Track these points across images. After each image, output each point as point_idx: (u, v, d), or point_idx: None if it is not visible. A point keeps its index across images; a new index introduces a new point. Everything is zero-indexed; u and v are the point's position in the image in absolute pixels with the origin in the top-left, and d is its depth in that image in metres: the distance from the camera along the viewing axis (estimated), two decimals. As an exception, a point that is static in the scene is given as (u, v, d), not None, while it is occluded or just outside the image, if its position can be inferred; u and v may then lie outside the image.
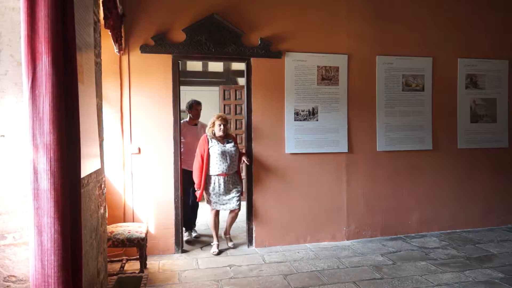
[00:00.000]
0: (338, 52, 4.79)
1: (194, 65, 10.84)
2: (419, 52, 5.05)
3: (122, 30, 4.10)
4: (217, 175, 4.38)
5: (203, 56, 4.49)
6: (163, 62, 4.33)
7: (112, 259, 3.96)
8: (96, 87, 2.51)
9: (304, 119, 4.69)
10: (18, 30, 1.56)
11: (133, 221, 4.27)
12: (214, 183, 4.39)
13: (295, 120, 4.62)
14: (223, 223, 4.76)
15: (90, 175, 2.29)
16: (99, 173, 2.64)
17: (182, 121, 4.81)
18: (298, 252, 4.32)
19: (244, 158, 4.52)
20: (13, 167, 1.63)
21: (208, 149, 4.39)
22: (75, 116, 1.61)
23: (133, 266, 3.95)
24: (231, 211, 4.54)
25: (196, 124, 5.10)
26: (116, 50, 3.99)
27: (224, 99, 7.58)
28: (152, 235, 4.31)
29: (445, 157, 5.18)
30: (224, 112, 7.53)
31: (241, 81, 10.37)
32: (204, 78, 11.42)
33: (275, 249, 4.43)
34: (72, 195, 1.55)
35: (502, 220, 5.39)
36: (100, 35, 2.78)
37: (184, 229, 4.72)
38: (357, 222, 4.88)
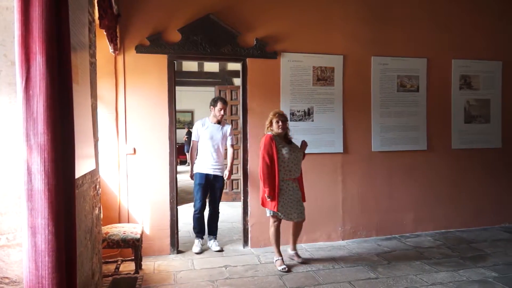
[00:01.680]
0: (333, 52, 4.79)
1: (190, 65, 10.83)
2: (413, 53, 5.07)
3: (117, 30, 4.08)
4: (288, 179, 3.93)
5: (198, 57, 4.48)
6: (158, 62, 4.31)
7: (107, 260, 3.93)
8: (91, 87, 2.49)
9: (299, 120, 4.70)
10: (12, 30, 1.54)
11: (128, 222, 4.24)
12: (283, 189, 3.91)
13: (290, 121, 4.61)
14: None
15: (84, 175, 2.28)
16: (94, 173, 2.63)
17: (201, 120, 4.64)
18: (288, 251, 4.31)
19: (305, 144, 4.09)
20: (6, 168, 1.61)
21: (278, 150, 3.87)
22: (69, 117, 1.60)
23: (128, 267, 3.93)
24: (298, 222, 4.08)
25: (219, 122, 4.61)
26: (111, 50, 3.97)
27: (219, 99, 7.55)
28: (147, 235, 4.29)
29: (440, 158, 5.21)
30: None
31: (237, 81, 10.38)
32: (200, 78, 11.42)
33: (271, 249, 4.42)
34: (66, 196, 1.54)
35: (495, 219, 5.43)
36: (95, 35, 2.77)
37: (196, 236, 4.55)
38: (352, 222, 4.89)
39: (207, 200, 4.62)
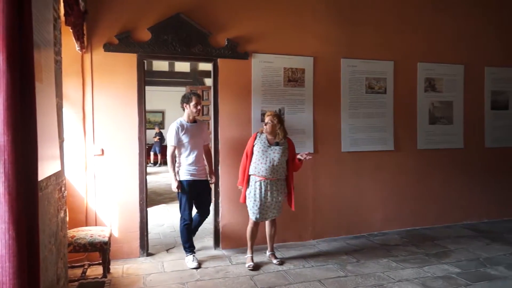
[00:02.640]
0: (304, 54, 4.84)
1: (160, 65, 10.70)
2: (381, 56, 5.20)
3: (84, 28, 3.96)
4: (254, 175, 3.97)
5: (169, 56, 4.41)
6: (127, 62, 4.22)
7: (74, 264, 3.81)
8: (56, 86, 2.41)
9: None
10: (-31, 25, 1.47)
11: (96, 225, 4.13)
12: (251, 186, 3.99)
13: (262, 121, 4.63)
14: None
15: (49, 177, 2.20)
16: (59, 175, 2.54)
17: (176, 123, 4.15)
18: (264, 253, 4.32)
19: (303, 155, 3.94)
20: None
21: (253, 145, 4.02)
22: (32, 116, 1.53)
23: (95, 271, 3.82)
24: (270, 223, 4.17)
25: (195, 122, 4.26)
26: (77, 48, 3.86)
27: (190, 99, 7.48)
28: (116, 238, 4.19)
29: (406, 158, 5.36)
30: (191, 113, 7.44)
31: (208, 81, 10.33)
32: (171, 78, 11.30)
33: (242, 250, 4.42)
34: (29, 199, 1.47)
35: (458, 217, 5.64)
36: (60, 33, 2.68)
37: (189, 251, 4.16)
38: (322, 222, 4.96)
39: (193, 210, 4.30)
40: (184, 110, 4.23)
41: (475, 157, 5.73)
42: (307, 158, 3.92)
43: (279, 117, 4.02)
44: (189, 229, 4.17)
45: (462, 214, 5.67)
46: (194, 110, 4.16)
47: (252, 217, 4.02)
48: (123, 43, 4.15)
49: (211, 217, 4.61)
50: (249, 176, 4.01)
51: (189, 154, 4.12)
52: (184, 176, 4.11)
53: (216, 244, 4.56)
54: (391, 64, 5.25)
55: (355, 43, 5.08)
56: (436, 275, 3.78)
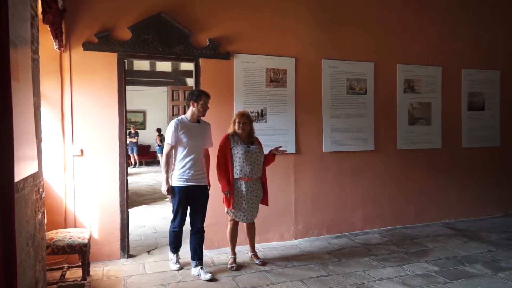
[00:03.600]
0: (286, 55, 4.87)
1: (141, 65, 10.60)
2: (362, 57, 5.28)
3: (63, 26, 3.90)
4: (239, 179, 3.92)
5: (150, 56, 4.37)
6: (107, 61, 4.16)
7: (52, 267, 3.74)
8: (33, 85, 2.36)
9: (254, 121, 4.72)
10: None
11: (75, 227, 4.06)
12: (235, 189, 3.93)
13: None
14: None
15: (26, 178, 2.15)
16: (36, 176, 2.49)
17: (177, 119, 3.79)
18: (247, 253, 4.33)
19: (278, 150, 4.03)
20: None
21: (230, 149, 3.91)
22: (7, 116, 1.50)
23: (75, 273, 3.75)
24: (249, 224, 4.12)
25: (198, 122, 3.89)
26: (56, 47, 3.79)
27: (172, 99, 7.44)
28: (96, 240, 4.13)
29: (386, 158, 5.45)
30: (173, 113, 7.39)
31: (190, 81, 10.27)
32: (152, 78, 11.20)
33: (224, 251, 4.41)
34: (5, 200, 1.44)
35: (436, 216, 5.77)
36: (38, 31, 2.62)
37: (172, 254, 4.01)
38: (305, 222, 4.99)
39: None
40: (188, 107, 3.84)
41: (452, 157, 5.87)
42: (284, 152, 4.10)
43: (249, 116, 4.04)
44: (177, 236, 3.93)
45: (440, 213, 5.80)
46: (201, 110, 3.79)
47: (239, 219, 3.99)
48: (102, 42, 4.09)
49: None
50: (232, 180, 3.92)
51: (186, 156, 3.72)
52: (176, 181, 3.74)
53: (198, 245, 4.53)
54: (371, 65, 5.33)
55: (336, 44, 5.14)
56: (416, 273, 3.85)
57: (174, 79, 10.48)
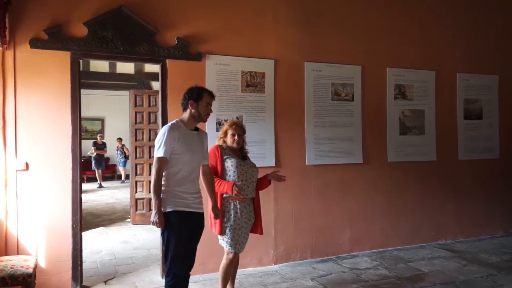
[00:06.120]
0: (264, 56, 4.91)
1: (100, 65, 10.44)
2: (348, 60, 5.37)
3: (7, 20, 3.82)
4: (231, 198, 3.60)
5: (109, 55, 4.33)
6: (59, 60, 4.10)
7: (-11, 302, 3.59)
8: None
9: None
10: None
11: (18, 254, 3.93)
12: (227, 210, 3.60)
13: (217, 131, 4.62)
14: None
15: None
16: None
17: (171, 125, 3.17)
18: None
19: (275, 176, 3.81)
20: None
21: (222, 160, 3.65)
22: None
23: (17, 309, 3.61)
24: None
25: (197, 130, 3.36)
26: (-2, 44, 3.70)
27: (135, 105, 7.35)
28: (43, 269, 4.00)
29: (376, 171, 5.53)
30: (136, 121, 7.31)
31: (156, 85, 10.19)
32: (112, 81, 11.05)
33: (195, 279, 4.34)
34: None
35: (432, 236, 5.87)
36: (-25, 25, 2.56)
37: None
38: (285, 244, 4.99)
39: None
40: (185, 110, 3.29)
41: (448, 171, 6.01)
42: (282, 179, 3.82)
43: (243, 127, 3.81)
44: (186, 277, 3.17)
45: (436, 233, 5.90)
46: (203, 114, 3.27)
47: (232, 249, 3.57)
48: (53, 38, 4.02)
49: (158, 241, 4.51)
50: (223, 199, 3.60)
51: (183, 174, 3.15)
52: (175, 204, 3.10)
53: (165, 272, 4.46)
54: (358, 68, 5.43)
55: (319, 46, 5.21)
56: (409, 300, 3.89)
57: (137, 82, 10.37)
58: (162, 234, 3.14)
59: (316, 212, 5.17)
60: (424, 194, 5.83)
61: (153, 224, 3.03)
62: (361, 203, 5.42)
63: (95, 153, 13.03)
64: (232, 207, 3.58)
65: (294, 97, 5.09)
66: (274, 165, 4.91)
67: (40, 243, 4.03)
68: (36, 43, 3.98)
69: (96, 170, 13.13)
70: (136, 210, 7.21)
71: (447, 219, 5.97)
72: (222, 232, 3.55)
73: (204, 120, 3.34)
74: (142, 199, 7.20)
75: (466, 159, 6.14)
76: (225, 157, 3.63)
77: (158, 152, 3.06)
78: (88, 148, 13.26)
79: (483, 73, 6.30)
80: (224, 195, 3.58)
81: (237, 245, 3.58)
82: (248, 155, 3.89)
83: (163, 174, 3.09)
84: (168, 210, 3.06)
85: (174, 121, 3.24)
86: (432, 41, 5.92)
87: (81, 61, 4.32)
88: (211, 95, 3.35)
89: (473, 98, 6.24)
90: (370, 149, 5.51)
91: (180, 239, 3.06)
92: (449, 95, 6.07)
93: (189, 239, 3.14)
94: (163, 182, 3.10)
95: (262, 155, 4.84)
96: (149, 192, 7.04)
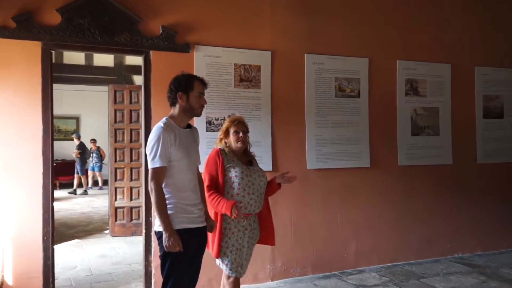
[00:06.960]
0: (259, 48, 4.92)
1: (75, 57, 10.41)
2: (354, 52, 5.39)
3: (-31, 6, 3.82)
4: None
5: (85, 46, 4.34)
6: (28, 51, 4.10)
7: (-51, 324, 3.58)
8: None
9: (218, 130, 4.70)
10: None
11: (-18, 269, 3.92)
12: (229, 229, 3.35)
13: (207, 131, 4.63)
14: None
15: None
16: None
17: (163, 126, 2.89)
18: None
19: (285, 177, 3.54)
20: None
21: (224, 169, 3.38)
22: None
23: (-20, 332, 3.60)
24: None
25: (190, 127, 3.16)
26: (-41, 33, 3.69)
27: (115, 102, 7.33)
28: (9, 287, 3.99)
29: (384, 176, 5.54)
30: (115, 120, 7.29)
31: (138, 79, 10.18)
32: (88, 75, 11.02)
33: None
34: None
35: (448, 248, 5.87)
36: None
37: None
38: (284, 258, 4.99)
39: None
40: (173, 105, 3.07)
41: (465, 175, 6.02)
42: (293, 179, 3.53)
43: (245, 123, 3.55)
44: None
45: (452, 245, 5.91)
46: (196, 107, 3.06)
47: (233, 273, 3.35)
48: (22, 27, 4.01)
49: (140, 255, 4.51)
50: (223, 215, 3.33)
51: (185, 183, 2.98)
52: (180, 221, 2.90)
53: (147, 290, 4.45)
54: (365, 61, 5.44)
55: (322, 36, 5.23)
56: (422, 321, 3.90)
57: (117, 76, 10.35)
58: (163, 255, 2.87)
59: (318, 222, 5.17)
60: (438, 202, 5.84)
61: (168, 249, 2.77)
62: (368, 212, 5.43)
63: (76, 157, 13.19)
64: (233, 224, 3.34)
65: (293, 93, 5.10)
66: (271, 169, 4.90)
67: (7, 258, 4.02)
68: (3, 32, 3.97)
69: (81, 176, 13.33)
70: (116, 220, 7.17)
71: (464, 230, 5.98)
72: (220, 255, 3.32)
73: (198, 114, 3.12)
74: (123, 207, 7.17)
75: (485, 163, 6.16)
76: (228, 165, 3.36)
77: (154, 161, 2.82)
78: (59, 152, 13.18)
79: (504, 67, 6.33)
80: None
81: (239, 268, 3.36)
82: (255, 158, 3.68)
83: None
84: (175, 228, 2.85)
85: (164, 120, 2.96)
86: (448, 30, 5.93)
87: (53, 52, 4.33)
88: (203, 83, 3.11)
89: (493, 94, 6.26)
90: (378, 151, 5.52)
91: (181, 261, 2.87)
92: (466, 91, 6.09)
93: (192, 259, 3.01)
94: (167, 195, 2.89)
95: (257, 158, 4.74)
96: (131, 200, 7.07)
